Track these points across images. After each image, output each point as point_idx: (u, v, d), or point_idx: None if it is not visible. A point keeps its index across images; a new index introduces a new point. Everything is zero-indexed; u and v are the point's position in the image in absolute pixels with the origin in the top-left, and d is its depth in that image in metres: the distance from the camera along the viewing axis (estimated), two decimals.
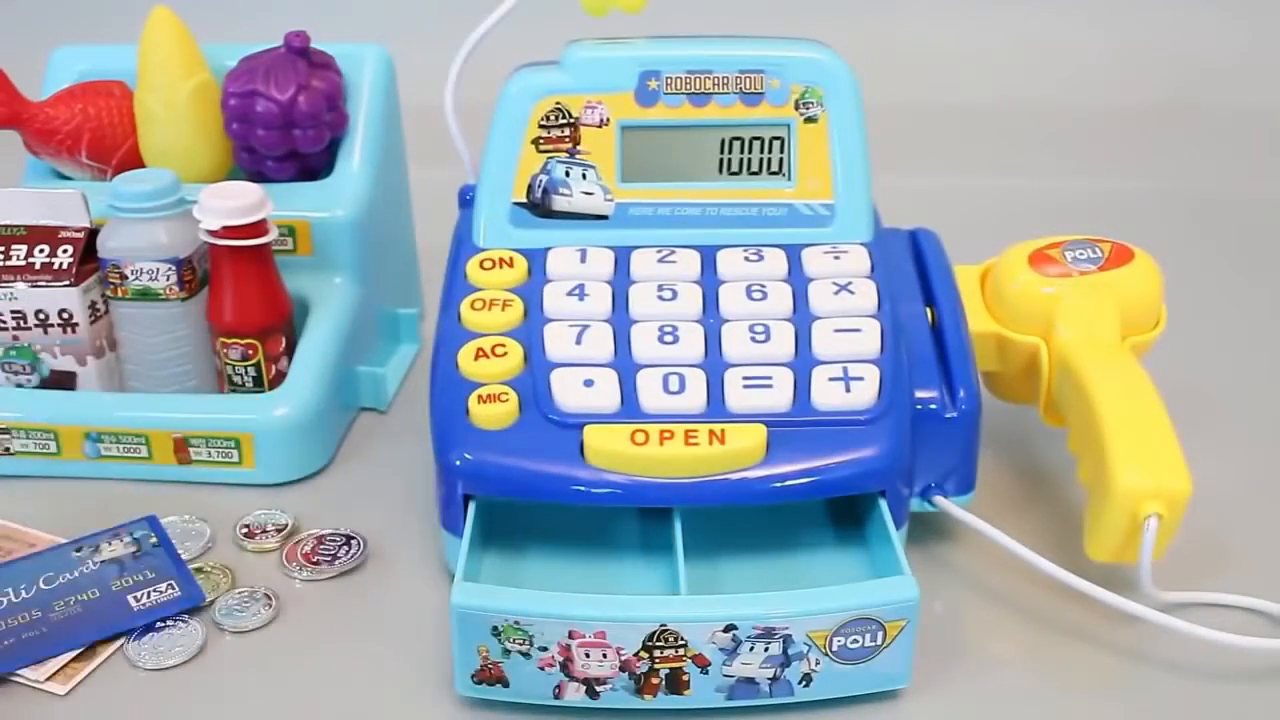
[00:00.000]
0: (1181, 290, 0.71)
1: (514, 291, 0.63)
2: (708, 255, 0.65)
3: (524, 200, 0.66)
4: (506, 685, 0.53)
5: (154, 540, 0.63)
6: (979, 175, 1.14)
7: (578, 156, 0.65)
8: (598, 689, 0.52)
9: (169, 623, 0.59)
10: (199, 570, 0.62)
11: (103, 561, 0.61)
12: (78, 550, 0.62)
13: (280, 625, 0.59)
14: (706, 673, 0.52)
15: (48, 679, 0.56)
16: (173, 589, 0.60)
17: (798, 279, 0.63)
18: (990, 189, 1.10)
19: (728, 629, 0.51)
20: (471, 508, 0.57)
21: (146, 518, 0.64)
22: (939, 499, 0.61)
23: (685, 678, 0.52)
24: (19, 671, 0.56)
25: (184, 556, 0.63)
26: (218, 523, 0.66)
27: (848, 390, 0.57)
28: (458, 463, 0.57)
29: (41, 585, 0.60)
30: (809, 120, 0.65)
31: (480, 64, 0.69)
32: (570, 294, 0.62)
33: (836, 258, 0.64)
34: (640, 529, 0.60)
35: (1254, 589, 0.60)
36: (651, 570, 0.58)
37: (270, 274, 0.70)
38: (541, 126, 0.65)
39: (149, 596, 0.59)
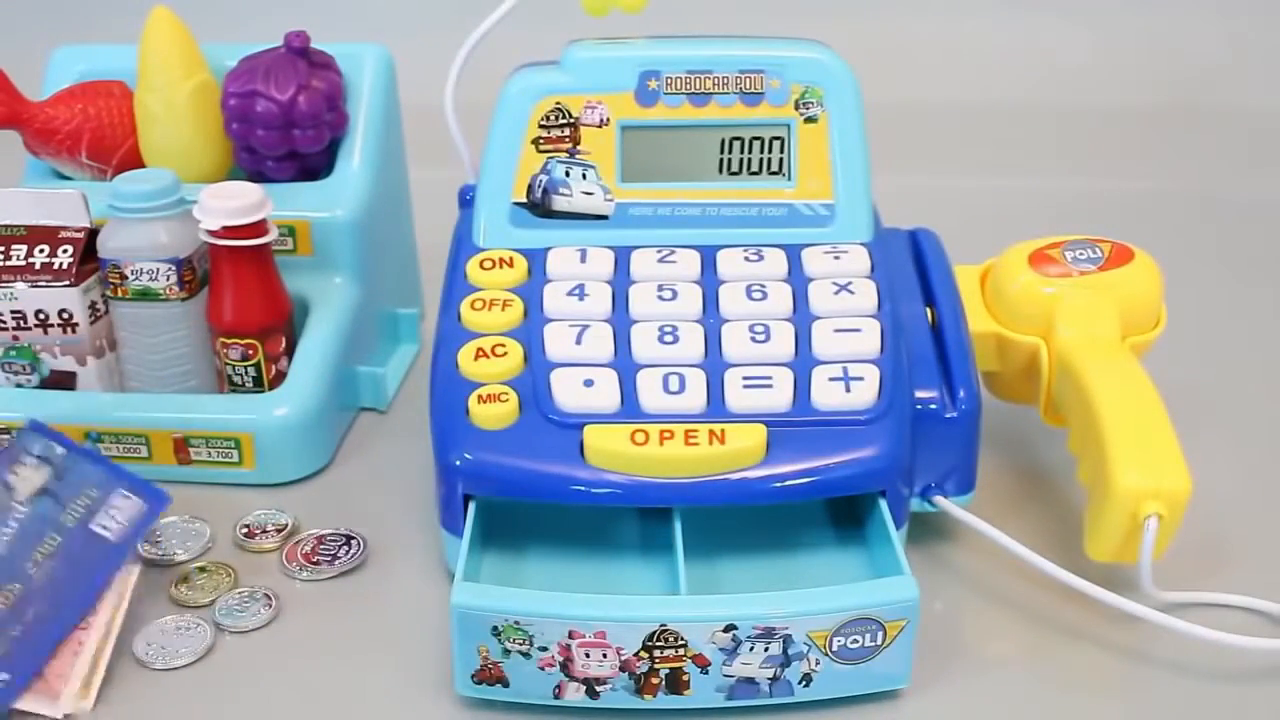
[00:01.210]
0: (1181, 290, 0.71)
1: (514, 291, 0.63)
2: (708, 255, 0.65)
3: (524, 200, 0.66)
4: (506, 685, 0.53)
5: (61, 451, 0.58)
6: (979, 175, 1.14)
7: (578, 156, 0.65)
8: (598, 689, 0.52)
9: (177, 621, 0.59)
10: (201, 569, 0.62)
11: (31, 497, 0.57)
12: None
13: (280, 625, 0.59)
14: (706, 673, 0.52)
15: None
16: (128, 499, 0.57)
17: (798, 279, 0.63)
18: (990, 189, 1.10)
19: (728, 629, 0.51)
20: (471, 508, 0.57)
21: (30, 424, 0.58)
22: (939, 499, 0.61)
23: (685, 678, 0.52)
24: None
25: (184, 557, 0.63)
26: (218, 523, 0.66)
27: (848, 390, 0.57)
28: (458, 463, 0.57)
29: None
30: (809, 120, 0.65)
31: (480, 64, 0.69)
32: (570, 294, 0.62)
33: (836, 258, 0.64)
34: (640, 529, 0.60)
35: (1254, 589, 0.60)
36: (651, 570, 0.58)
37: (270, 274, 0.70)
38: (541, 126, 0.65)
39: (114, 519, 0.57)
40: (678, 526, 0.57)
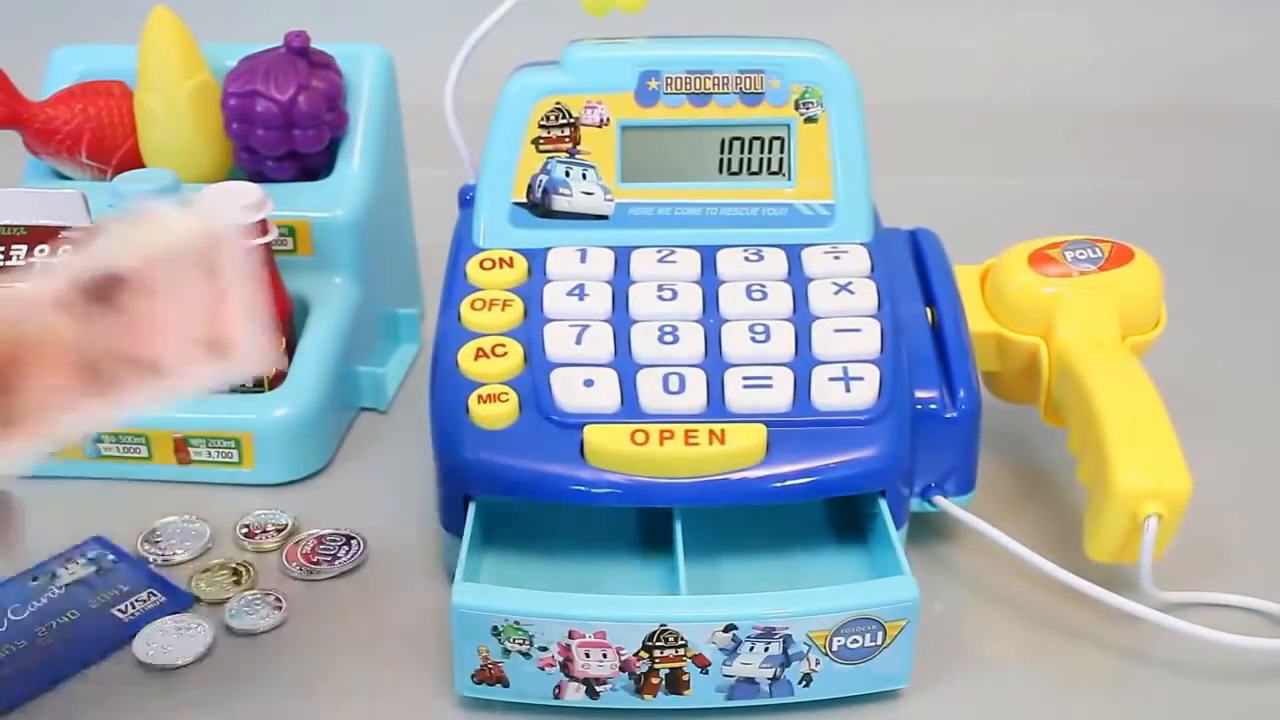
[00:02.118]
0: (1181, 290, 0.71)
1: (514, 291, 0.63)
2: (708, 255, 0.65)
3: (524, 200, 0.66)
4: (506, 685, 0.53)
5: (112, 558, 0.62)
6: (979, 175, 1.14)
7: (578, 156, 0.65)
8: (598, 689, 0.52)
9: (177, 621, 0.58)
10: (204, 570, 0.62)
11: (67, 585, 0.60)
12: (35, 580, 0.61)
13: (280, 625, 0.59)
14: (706, 673, 0.52)
15: None
16: (155, 597, 0.60)
17: (798, 279, 0.63)
18: (990, 189, 1.10)
19: (728, 629, 0.51)
20: (471, 508, 0.57)
21: (94, 538, 0.63)
22: (939, 499, 0.61)
23: (685, 678, 0.52)
24: None
25: (184, 557, 0.63)
26: (218, 523, 0.66)
27: (848, 390, 0.57)
28: (458, 463, 0.57)
29: (11, 617, 0.58)
30: (809, 120, 0.65)
31: (480, 64, 0.69)
32: (570, 294, 0.62)
33: (836, 258, 0.64)
34: (640, 529, 0.60)
35: (1254, 589, 0.60)
36: (651, 570, 0.58)
37: (270, 274, 0.70)
38: (541, 126, 0.65)
39: (134, 607, 0.59)
40: (678, 526, 0.57)
